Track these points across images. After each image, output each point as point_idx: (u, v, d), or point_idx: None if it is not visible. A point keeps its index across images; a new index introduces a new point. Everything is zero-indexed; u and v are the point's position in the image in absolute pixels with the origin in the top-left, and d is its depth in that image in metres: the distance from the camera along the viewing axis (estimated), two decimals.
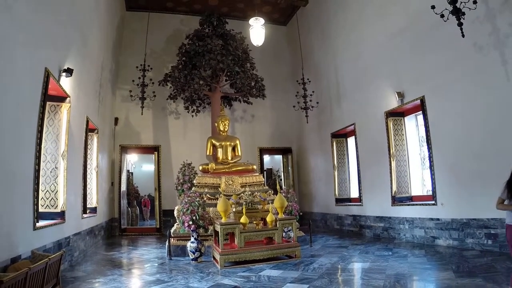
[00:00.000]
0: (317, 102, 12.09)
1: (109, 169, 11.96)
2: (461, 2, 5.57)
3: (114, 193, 12.33)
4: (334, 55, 11.76)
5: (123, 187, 12.84)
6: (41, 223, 5.49)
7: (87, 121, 8.41)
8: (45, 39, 5.66)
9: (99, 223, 9.90)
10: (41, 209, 6.08)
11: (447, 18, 5.70)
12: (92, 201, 9.21)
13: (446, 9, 5.74)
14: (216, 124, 10.27)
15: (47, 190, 6.37)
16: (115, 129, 12.78)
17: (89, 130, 8.70)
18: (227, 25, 12.73)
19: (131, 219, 13.85)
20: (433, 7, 5.81)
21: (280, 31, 15.64)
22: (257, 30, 9.95)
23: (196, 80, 11.27)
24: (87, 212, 8.53)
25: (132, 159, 17.51)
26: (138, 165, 18.89)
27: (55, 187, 6.40)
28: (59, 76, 6.28)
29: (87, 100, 8.47)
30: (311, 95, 11.94)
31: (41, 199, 6.19)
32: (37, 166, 5.29)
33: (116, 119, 12.81)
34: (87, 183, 8.83)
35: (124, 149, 12.90)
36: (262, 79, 12.60)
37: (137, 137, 13.02)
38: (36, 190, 5.25)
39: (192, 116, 13.09)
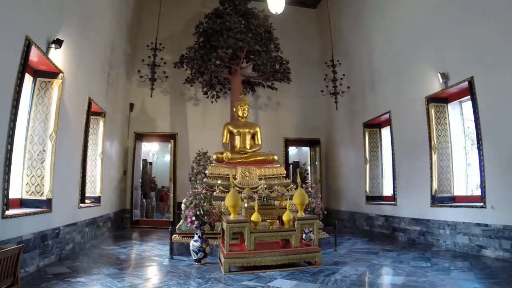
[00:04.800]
0: (348, 87, 11.00)
1: (122, 157, 11.27)
2: None
3: (127, 183, 11.61)
4: (367, 35, 10.64)
5: (138, 177, 12.10)
6: (12, 211, 4.77)
7: (90, 103, 7.66)
8: (29, 4, 4.95)
9: (105, 213, 9.22)
10: (25, 196, 5.57)
11: None
12: (95, 190, 8.52)
13: None
14: (234, 109, 9.34)
15: (33, 175, 5.68)
16: (130, 115, 12.02)
17: (92, 112, 7.95)
18: (249, 4, 11.72)
19: (146, 211, 13.16)
20: None
21: (309, 14, 14.62)
22: None
23: (213, 60, 10.33)
24: (87, 201, 7.85)
25: (153, 149, 16.93)
26: (161, 156, 18.30)
27: (41, 172, 5.70)
28: (48, 48, 5.53)
29: (89, 79, 7.75)
30: (341, 79, 10.90)
31: (26, 184, 5.61)
32: (9, 146, 4.53)
33: (132, 105, 12.06)
34: (90, 170, 8.20)
35: (139, 136, 12.17)
36: (287, 61, 11.53)
37: (153, 124, 12.28)
38: (6, 173, 4.49)
39: (212, 102, 12.24)
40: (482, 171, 6.26)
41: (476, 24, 6.49)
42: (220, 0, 11.74)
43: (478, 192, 6.60)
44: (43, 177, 5.68)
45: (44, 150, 5.73)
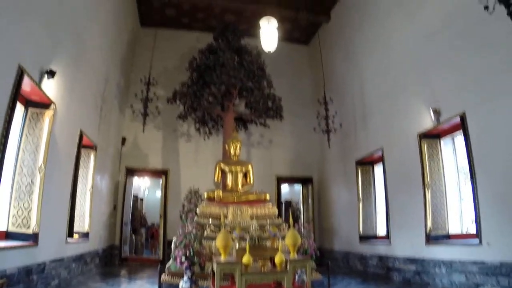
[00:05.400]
0: (340, 124, 11.04)
1: (112, 191, 11.08)
2: None
3: (116, 218, 11.38)
4: (359, 73, 10.75)
5: (128, 212, 11.89)
6: None
7: (81, 135, 7.56)
8: (22, 33, 4.91)
9: (93, 249, 8.95)
10: (11, 228, 5.39)
11: (493, 9, 4.58)
12: (83, 225, 8.32)
13: None
14: (226, 147, 9.24)
15: (20, 207, 5.52)
16: (122, 150, 11.91)
17: (83, 145, 7.84)
18: (243, 40, 11.93)
19: (135, 248, 12.88)
20: None
21: (301, 51, 14.88)
22: (268, 33, 8.69)
23: (206, 96, 10.33)
24: (75, 236, 7.65)
25: (144, 184, 16.76)
26: (152, 191, 18.09)
27: (29, 204, 5.55)
28: (40, 78, 5.51)
29: (82, 112, 7.71)
30: (333, 116, 10.93)
31: (12, 216, 5.45)
32: None
33: (124, 139, 11.99)
34: (79, 204, 8.05)
35: (131, 171, 12.02)
36: (280, 98, 11.61)
37: (144, 159, 12.16)
38: None
39: (204, 139, 12.22)
40: (476, 207, 6.16)
41: (466, 59, 6.56)
42: (214, 36, 11.93)
43: (473, 228, 6.50)
44: (30, 209, 5.52)
45: (32, 182, 5.60)
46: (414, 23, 8.19)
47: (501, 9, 4.49)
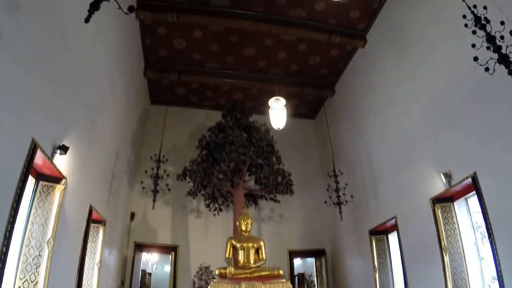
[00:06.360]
0: (352, 196, 11.01)
1: (120, 266, 10.89)
2: (506, 47, 4.67)
3: None
4: (366, 142, 10.88)
5: None
6: None
7: (90, 210, 7.57)
8: (38, 108, 5.08)
9: None
10: None
11: (494, 70, 4.78)
12: None
13: (491, 58, 4.78)
14: (237, 223, 9.18)
15: (26, 279, 5.40)
16: (131, 225, 11.91)
17: (92, 220, 7.82)
18: (251, 117, 12.28)
19: None
20: (475, 58, 4.92)
21: (308, 125, 15.22)
22: (277, 111, 9.02)
23: (216, 174, 10.49)
24: None
25: (152, 259, 16.57)
26: (160, 266, 17.82)
27: (35, 277, 5.44)
28: (53, 153, 5.62)
29: (92, 187, 7.76)
30: (344, 188, 10.95)
31: None
32: (4, 249, 4.34)
33: (133, 214, 12.01)
34: (86, 279, 7.87)
35: (139, 246, 11.84)
36: (289, 173, 11.67)
37: (153, 235, 12.04)
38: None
39: (214, 215, 12.17)
40: (497, 264, 5.92)
41: (472, 120, 6.64)
42: (222, 114, 12.29)
43: (494, 285, 6.26)
44: (37, 283, 5.39)
45: (40, 255, 5.52)
46: (417, 89, 8.38)
47: (502, 69, 4.68)
